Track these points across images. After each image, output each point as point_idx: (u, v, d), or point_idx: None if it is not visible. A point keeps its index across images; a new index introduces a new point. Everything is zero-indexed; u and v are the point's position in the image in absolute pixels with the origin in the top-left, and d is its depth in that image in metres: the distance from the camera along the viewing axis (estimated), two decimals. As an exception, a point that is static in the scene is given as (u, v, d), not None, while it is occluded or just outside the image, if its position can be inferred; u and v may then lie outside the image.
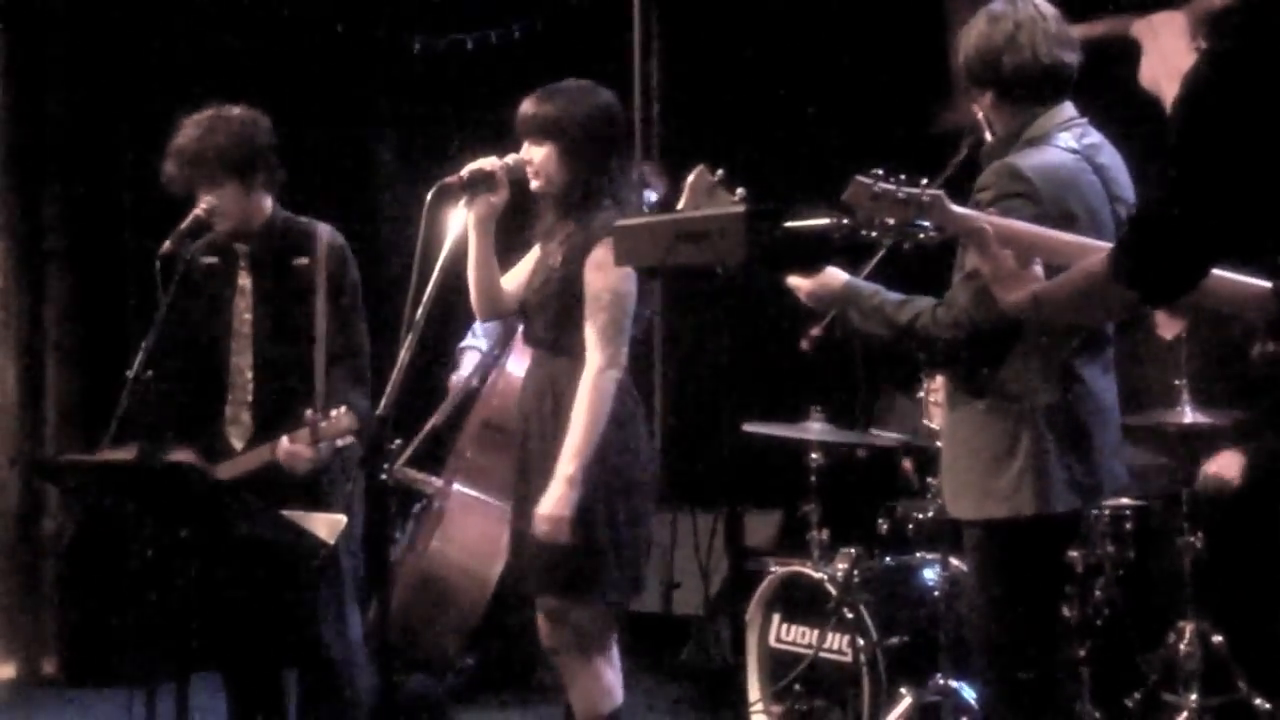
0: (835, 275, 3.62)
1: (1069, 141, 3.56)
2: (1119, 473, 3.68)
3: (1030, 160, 3.50)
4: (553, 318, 4.13)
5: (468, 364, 5.96)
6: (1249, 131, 2.56)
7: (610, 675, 4.18)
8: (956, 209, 3.18)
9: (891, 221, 3.09)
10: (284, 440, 4.27)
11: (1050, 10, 3.63)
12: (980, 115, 3.70)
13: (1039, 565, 3.60)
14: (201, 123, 4.38)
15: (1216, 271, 2.83)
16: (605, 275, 4.00)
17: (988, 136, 3.70)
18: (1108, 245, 2.91)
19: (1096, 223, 3.49)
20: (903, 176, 3.18)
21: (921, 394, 5.05)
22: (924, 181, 3.17)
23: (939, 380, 4.75)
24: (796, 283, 3.62)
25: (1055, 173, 3.48)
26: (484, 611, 5.65)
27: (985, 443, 3.56)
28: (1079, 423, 3.53)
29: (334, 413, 4.25)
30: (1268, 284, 2.73)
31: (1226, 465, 5.11)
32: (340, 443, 4.32)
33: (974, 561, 3.67)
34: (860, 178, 3.11)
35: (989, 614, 3.61)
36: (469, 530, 5.49)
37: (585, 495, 3.98)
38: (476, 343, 6.00)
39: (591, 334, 4.05)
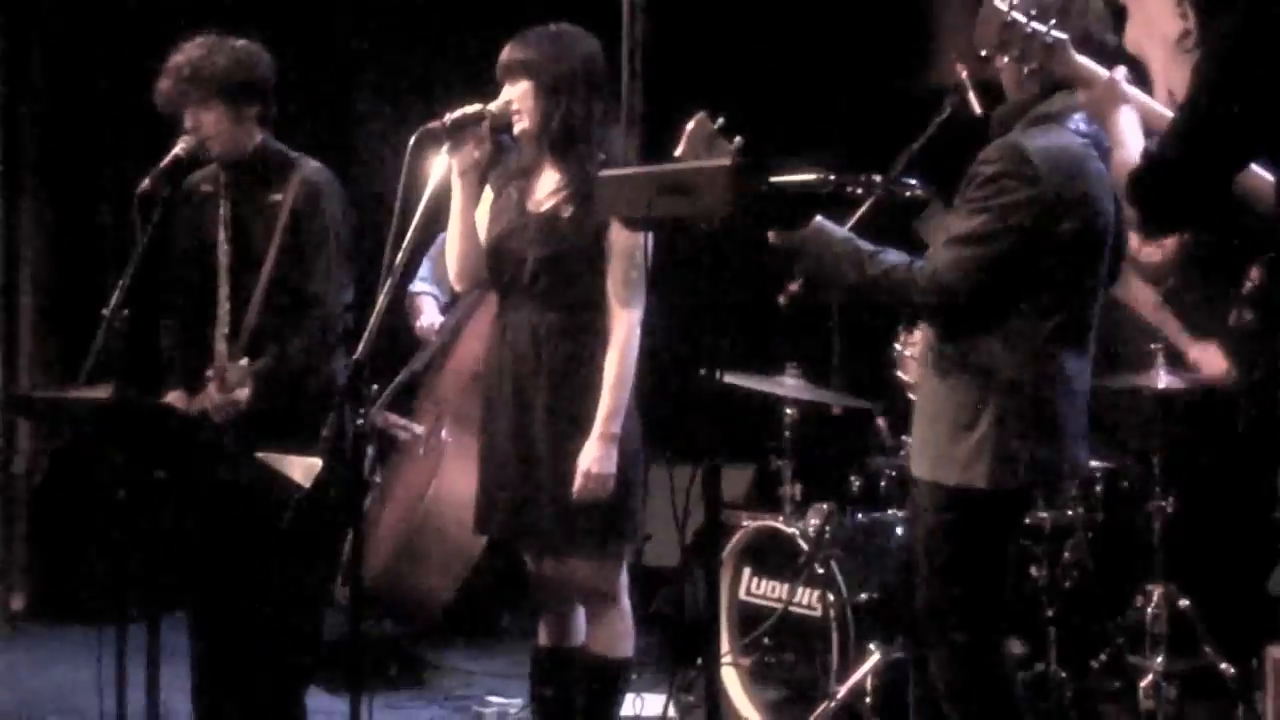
0: None
1: (1080, 124, 3.48)
2: (1082, 458, 3.66)
3: (1037, 141, 3.43)
4: (558, 268, 4.04)
5: (429, 309, 5.89)
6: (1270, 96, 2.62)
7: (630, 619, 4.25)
8: (1080, 58, 3.16)
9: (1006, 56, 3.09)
10: (210, 388, 4.28)
11: None
12: (966, 76, 3.65)
13: (986, 535, 3.58)
14: (204, 43, 4.33)
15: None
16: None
17: (972, 99, 3.66)
18: None
19: (1098, 210, 3.46)
20: (1033, 12, 3.22)
21: (898, 347, 5.02)
22: (1053, 21, 3.19)
23: (916, 335, 4.74)
24: None
25: (1062, 156, 3.42)
26: (475, 564, 5.64)
27: (950, 409, 3.54)
28: (1047, 403, 3.51)
29: (241, 363, 4.24)
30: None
31: (1211, 358, 5.13)
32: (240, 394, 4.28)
33: (923, 521, 3.65)
34: (997, 3, 3.13)
35: (931, 575, 3.61)
36: (464, 482, 5.48)
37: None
38: (429, 288, 5.90)
39: (621, 290, 4.03)
